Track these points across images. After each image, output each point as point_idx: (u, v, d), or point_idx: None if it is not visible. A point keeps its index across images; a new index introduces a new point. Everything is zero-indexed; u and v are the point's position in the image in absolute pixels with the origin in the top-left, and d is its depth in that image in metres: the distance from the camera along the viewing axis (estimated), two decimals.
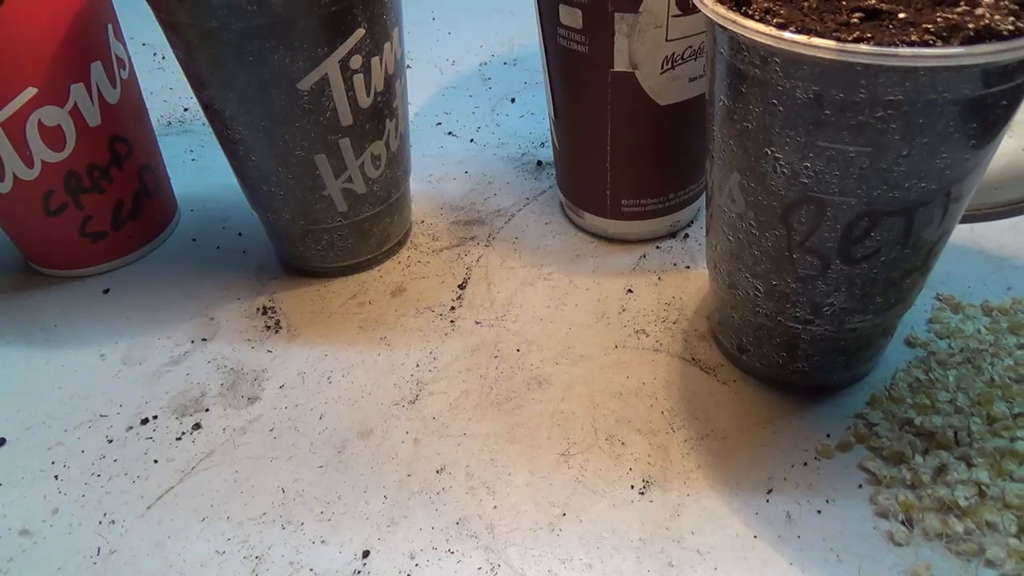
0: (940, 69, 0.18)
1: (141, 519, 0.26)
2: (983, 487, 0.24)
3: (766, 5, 0.20)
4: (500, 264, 0.35)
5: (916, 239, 0.22)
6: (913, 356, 0.29)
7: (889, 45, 0.18)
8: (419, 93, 0.48)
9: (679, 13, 0.27)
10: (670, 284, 0.33)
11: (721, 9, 0.20)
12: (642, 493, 0.25)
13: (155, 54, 0.54)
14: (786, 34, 0.19)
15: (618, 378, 0.29)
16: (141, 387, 0.31)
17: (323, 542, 0.25)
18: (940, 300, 0.31)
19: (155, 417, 0.29)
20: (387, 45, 0.29)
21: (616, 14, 0.28)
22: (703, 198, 0.36)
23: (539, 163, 0.41)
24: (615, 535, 0.24)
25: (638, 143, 0.31)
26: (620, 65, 0.29)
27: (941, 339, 0.30)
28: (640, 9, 0.27)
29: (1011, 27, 0.18)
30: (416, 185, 0.40)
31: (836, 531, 0.24)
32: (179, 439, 0.29)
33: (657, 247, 0.35)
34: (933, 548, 0.23)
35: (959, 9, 0.19)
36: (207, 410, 0.30)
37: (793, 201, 0.22)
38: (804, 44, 0.18)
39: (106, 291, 0.35)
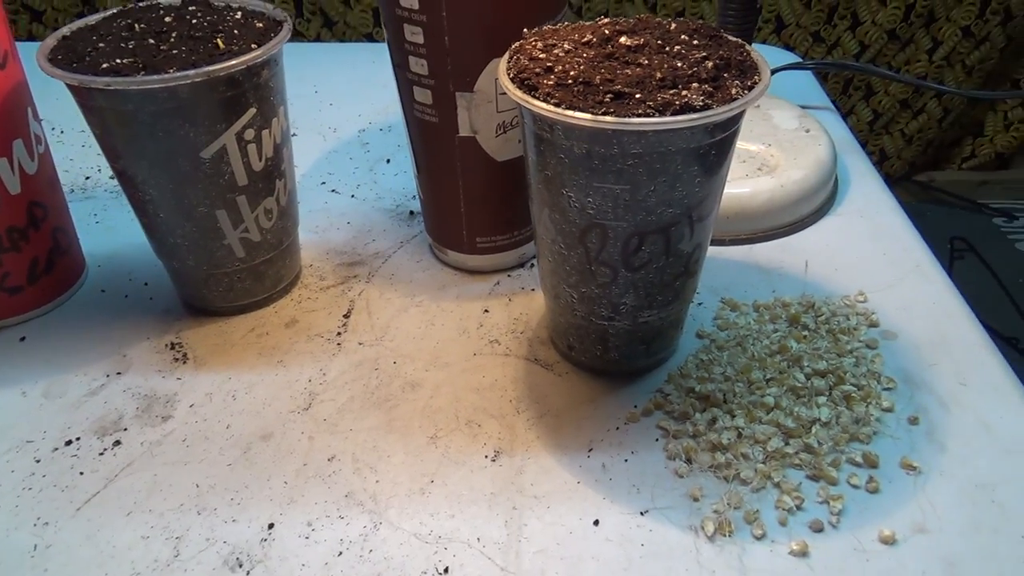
0: (660, 132, 0.27)
1: (72, 519, 0.31)
2: (740, 430, 0.33)
3: (547, 90, 0.28)
4: (379, 296, 0.42)
5: (675, 251, 0.31)
6: (701, 344, 0.38)
7: (625, 116, 0.27)
8: (305, 157, 0.54)
9: (504, 91, 0.35)
10: (518, 304, 0.41)
11: (519, 93, 0.28)
12: (493, 460, 0.32)
13: (54, 129, 0.58)
14: (561, 110, 0.27)
15: (476, 378, 0.37)
16: (63, 415, 0.35)
17: (234, 521, 0.30)
18: (723, 302, 0.40)
19: (78, 439, 0.34)
20: (274, 120, 0.36)
21: (457, 93, 0.36)
22: None
23: (411, 213, 0.48)
24: (472, 492, 0.31)
25: (484, 192, 0.39)
26: (464, 131, 0.37)
27: (722, 330, 0.39)
28: (474, 89, 0.35)
29: (701, 103, 0.27)
30: (305, 235, 0.46)
31: (638, 472, 0.32)
32: (101, 454, 0.33)
33: (508, 275, 0.43)
34: (705, 477, 0.31)
35: (671, 92, 0.28)
36: (125, 429, 0.34)
37: (585, 227, 0.30)
38: (572, 117, 0.27)
39: (23, 339, 0.40)
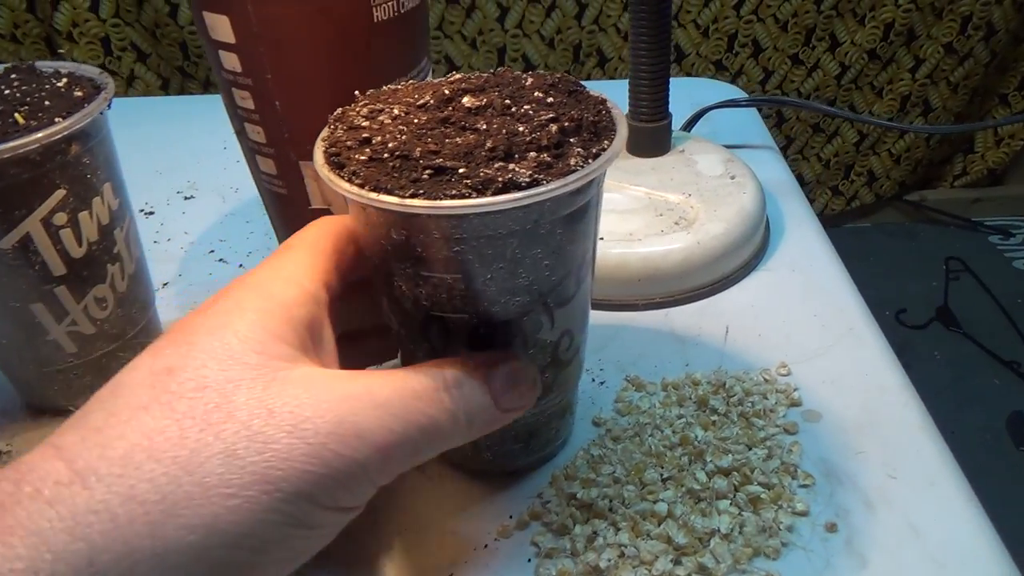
0: (481, 215, 0.23)
1: None
2: (623, 548, 0.28)
3: (354, 167, 0.24)
4: None
5: (535, 341, 0.27)
6: (596, 435, 0.33)
7: (436, 198, 0.22)
8: (199, 222, 0.50)
9: None
10: None
11: (326, 171, 0.24)
12: None
13: None
14: (363, 191, 0.23)
15: None
16: None
17: None
18: (627, 380, 0.36)
19: None
20: (96, 199, 0.32)
21: (301, 162, 0.32)
22: None
23: None
24: None
25: None
26: (316, 203, 0.33)
27: (622, 416, 0.34)
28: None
29: (528, 179, 0.23)
30: (179, 313, 0.42)
31: None
32: None
33: None
34: None
35: (498, 166, 0.23)
36: None
37: (423, 319, 0.26)
38: (374, 199, 0.22)
39: None
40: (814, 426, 0.33)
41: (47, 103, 0.31)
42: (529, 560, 0.28)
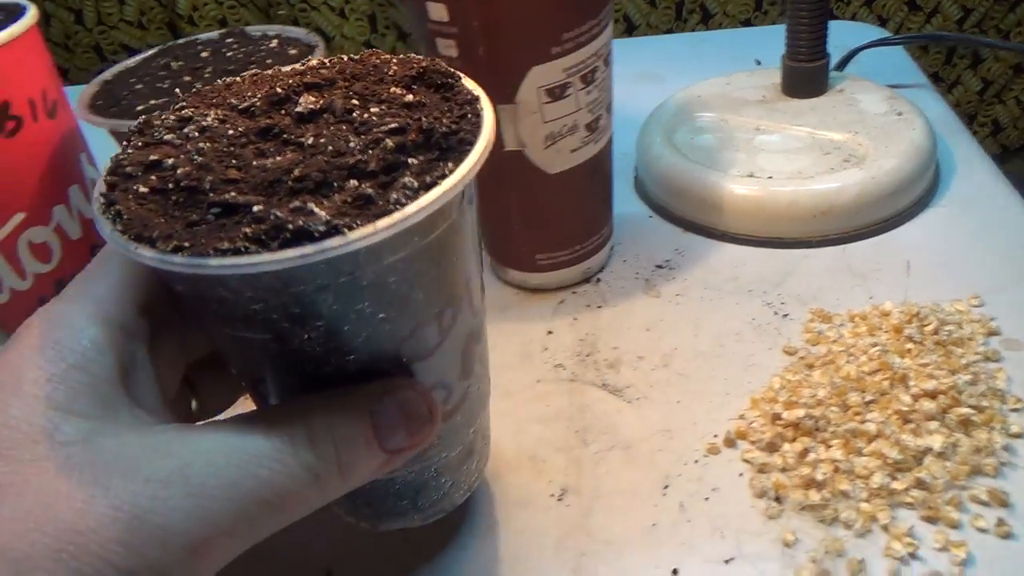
0: (261, 273, 0.18)
1: None
2: (837, 463, 0.29)
3: (128, 203, 0.19)
4: None
5: None
6: (787, 362, 0.34)
7: (202, 253, 0.18)
8: None
9: (549, 100, 0.33)
10: (584, 323, 0.38)
11: (96, 206, 0.20)
12: (559, 499, 0.30)
13: None
14: (119, 238, 0.19)
15: (539, 407, 0.34)
16: None
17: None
18: (812, 313, 0.36)
19: None
20: None
21: (498, 105, 0.33)
22: (609, 245, 0.41)
23: None
24: (536, 534, 0.29)
25: (539, 206, 0.37)
26: (510, 145, 0.35)
27: (812, 346, 0.35)
28: (516, 100, 0.33)
29: (322, 227, 0.17)
30: None
31: (720, 513, 0.28)
32: None
33: (573, 292, 0.40)
34: (799, 518, 0.28)
35: (297, 202, 0.18)
36: None
37: (253, 384, 0.23)
38: (133, 252, 0.18)
39: None
40: (1017, 355, 0.33)
41: (268, 61, 0.34)
42: (740, 475, 0.30)
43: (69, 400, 0.18)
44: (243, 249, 0.17)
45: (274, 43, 0.35)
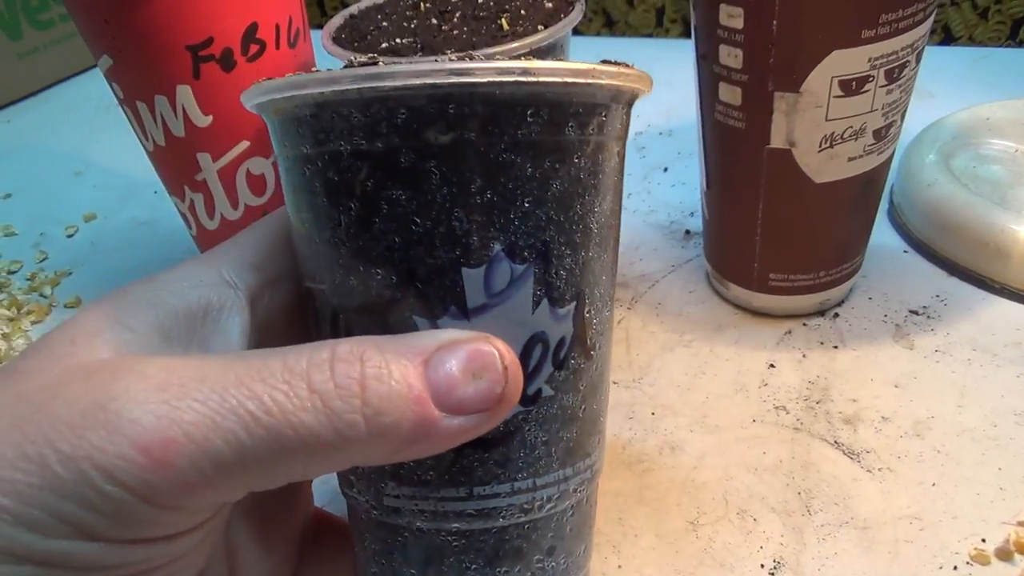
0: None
1: None
2: None
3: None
4: (641, 327, 0.36)
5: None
6: None
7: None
8: None
9: (841, 94, 0.27)
10: (815, 363, 0.32)
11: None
12: (772, 573, 0.25)
13: None
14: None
15: (754, 453, 0.29)
16: None
17: None
18: None
19: None
20: None
21: (776, 93, 0.28)
22: (856, 277, 0.35)
23: (687, 232, 0.42)
24: None
25: (791, 219, 0.31)
26: (777, 142, 0.29)
27: None
28: (801, 89, 0.27)
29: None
30: None
31: None
32: None
33: (804, 324, 0.34)
34: None
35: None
36: None
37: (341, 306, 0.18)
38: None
39: None
40: None
41: (522, 12, 0.31)
42: None
43: (126, 315, 0.17)
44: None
45: None
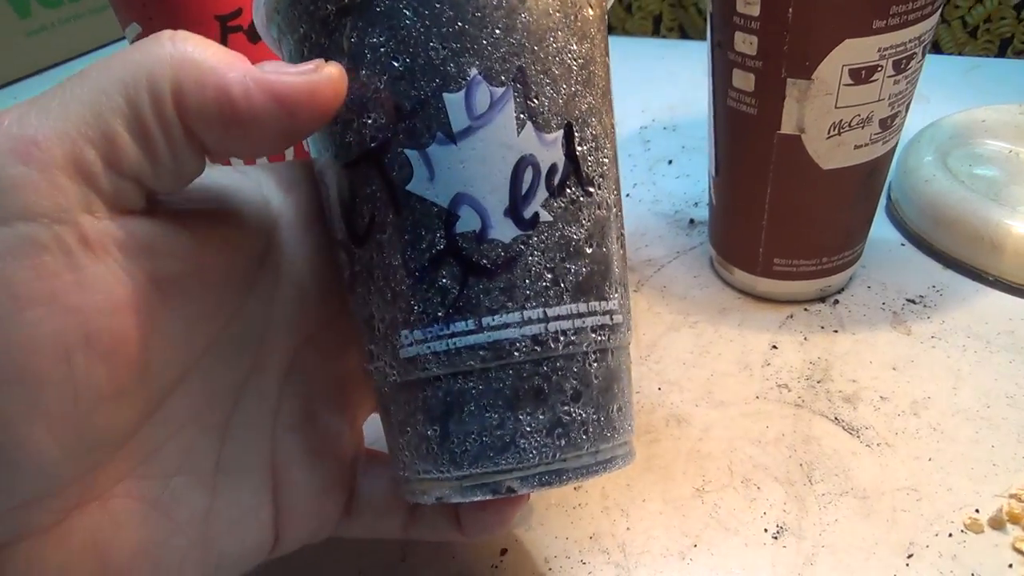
0: None
1: None
2: None
3: None
4: (647, 309, 0.37)
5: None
6: None
7: None
8: None
9: (851, 82, 0.28)
10: (816, 345, 0.34)
11: None
12: (775, 537, 0.26)
13: None
14: None
15: (757, 426, 0.30)
16: None
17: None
18: None
19: None
20: None
21: (789, 80, 0.29)
22: (856, 266, 0.36)
23: (691, 221, 0.43)
24: (745, 572, 0.25)
25: (797, 204, 0.32)
26: (787, 128, 0.30)
27: None
28: (813, 76, 0.29)
29: None
30: None
31: None
32: None
33: (805, 309, 0.36)
34: None
35: None
36: None
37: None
38: None
39: None
40: None
41: None
42: (1011, 566, 0.24)
43: None
44: None
45: None
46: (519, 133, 0.18)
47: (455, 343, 0.18)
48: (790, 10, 0.28)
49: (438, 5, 0.17)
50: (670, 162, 0.49)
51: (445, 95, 0.17)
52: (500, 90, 0.18)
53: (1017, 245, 0.35)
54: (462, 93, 0.17)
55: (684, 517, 0.27)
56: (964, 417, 0.30)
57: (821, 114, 0.30)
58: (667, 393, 0.32)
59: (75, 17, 0.69)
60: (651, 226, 0.43)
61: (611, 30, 1.04)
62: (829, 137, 0.30)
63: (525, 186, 0.18)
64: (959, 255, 0.37)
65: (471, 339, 0.18)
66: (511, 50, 0.18)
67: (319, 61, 0.17)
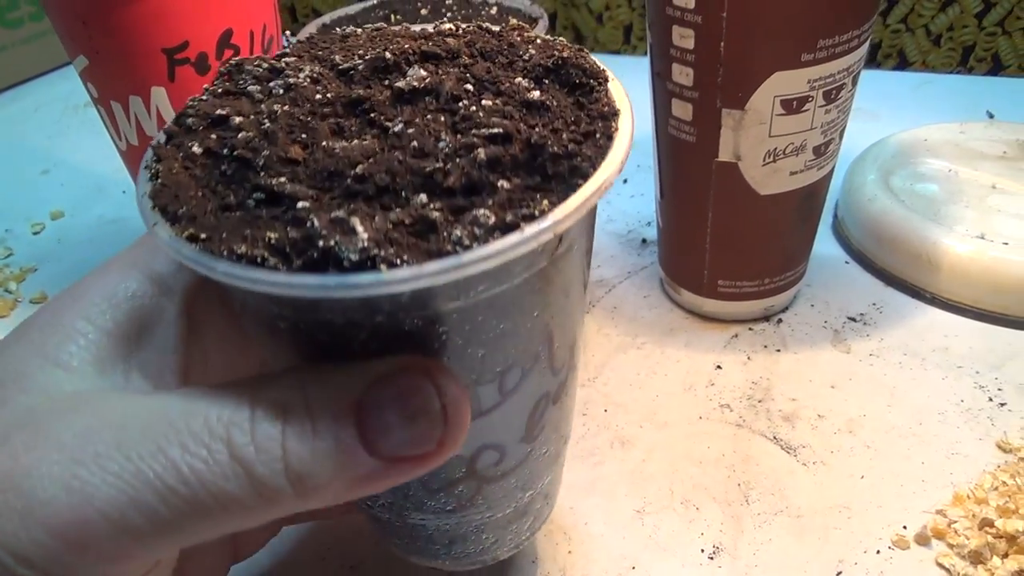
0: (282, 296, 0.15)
1: None
2: None
3: (175, 165, 0.17)
4: (596, 331, 0.37)
5: None
6: (1003, 460, 0.29)
7: (212, 254, 0.15)
8: None
9: (783, 112, 0.29)
10: (758, 365, 0.34)
11: (149, 155, 0.18)
12: (711, 558, 0.27)
13: None
14: (147, 208, 0.16)
15: (699, 447, 0.31)
16: None
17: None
18: None
19: None
20: None
21: (724, 110, 0.30)
22: (799, 285, 0.37)
23: (644, 241, 0.44)
24: None
25: (737, 228, 0.33)
26: (724, 155, 0.31)
27: None
28: (746, 107, 0.29)
29: (355, 256, 0.14)
30: None
31: None
32: None
33: (750, 328, 0.37)
34: None
35: (342, 213, 0.14)
36: None
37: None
38: (149, 226, 0.16)
39: None
40: None
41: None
42: None
43: (57, 349, 0.16)
44: (259, 260, 0.14)
45: (494, 9, 0.33)
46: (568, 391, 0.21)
47: (462, 519, 0.21)
48: (722, 44, 0.29)
49: (481, 319, 0.16)
50: (625, 181, 0.49)
51: (476, 388, 0.17)
52: (523, 372, 0.18)
53: (953, 263, 0.36)
54: (496, 382, 0.18)
55: (624, 539, 0.27)
56: (897, 434, 0.31)
57: (756, 143, 0.30)
58: (613, 415, 0.32)
59: (36, 36, 0.69)
60: (604, 245, 0.43)
61: (582, 40, 1.06)
62: (765, 164, 0.31)
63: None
64: (899, 273, 0.38)
65: (470, 515, 0.21)
66: (530, 350, 0.18)
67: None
